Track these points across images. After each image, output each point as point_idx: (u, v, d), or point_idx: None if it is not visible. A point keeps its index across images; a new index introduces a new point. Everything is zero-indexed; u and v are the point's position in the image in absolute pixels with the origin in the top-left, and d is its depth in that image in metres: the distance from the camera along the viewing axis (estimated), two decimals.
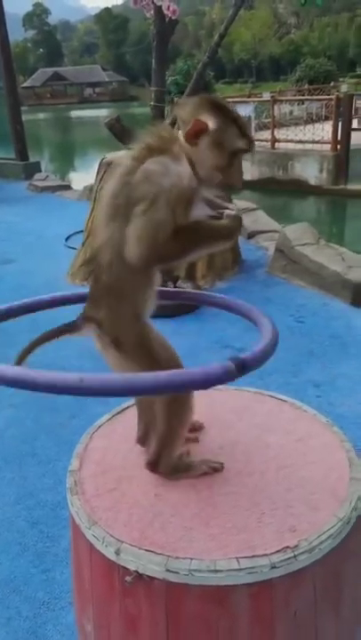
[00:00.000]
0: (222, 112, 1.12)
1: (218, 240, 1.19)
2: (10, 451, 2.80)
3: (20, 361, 1.27)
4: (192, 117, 1.11)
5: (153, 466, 1.26)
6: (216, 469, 1.25)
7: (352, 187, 11.68)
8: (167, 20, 3.83)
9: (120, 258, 1.13)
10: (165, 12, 3.76)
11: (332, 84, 21.82)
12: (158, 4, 3.74)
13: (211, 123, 1.11)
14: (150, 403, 1.29)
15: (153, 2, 3.76)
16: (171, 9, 3.74)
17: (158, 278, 1.23)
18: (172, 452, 1.25)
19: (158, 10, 3.79)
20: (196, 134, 1.11)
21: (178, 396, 1.21)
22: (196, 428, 1.41)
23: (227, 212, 1.20)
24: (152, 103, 4.01)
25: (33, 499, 2.45)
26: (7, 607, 1.96)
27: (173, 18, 3.84)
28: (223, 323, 4.15)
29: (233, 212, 1.19)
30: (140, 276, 1.17)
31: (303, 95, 18.40)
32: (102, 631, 1.15)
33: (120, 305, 1.18)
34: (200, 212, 1.18)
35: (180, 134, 1.14)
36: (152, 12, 3.82)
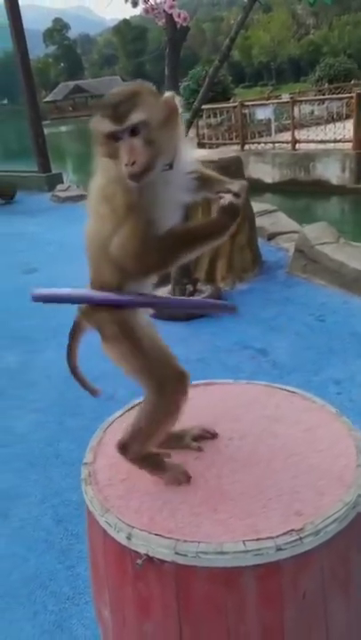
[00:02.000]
0: (96, 103, 1.12)
1: (208, 239, 1.16)
2: (35, 453, 2.87)
3: (74, 368, 1.42)
4: None
5: (122, 449, 1.28)
6: (180, 482, 1.23)
7: None
8: (178, 26, 3.89)
9: (101, 253, 1.17)
10: (176, 19, 3.82)
11: (352, 82, 21.60)
12: (169, 12, 3.80)
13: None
14: None
15: (164, 10, 3.82)
16: (181, 16, 3.80)
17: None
18: (143, 446, 1.27)
19: (169, 18, 3.86)
20: (94, 137, 1.10)
21: (169, 396, 1.24)
22: (208, 437, 1.39)
23: (221, 201, 1.15)
24: None
25: (58, 498, 2.51)
26: (34, 602, 2.01)
27: (184, 25, 3.90)
28: (243, 325, 4.17)
29: (227, 202, 1.14)
30: (119, 273, 1.18)
31: (323, 95, 18.31)
32: (118, 615, 1.20)
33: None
34: (171, 197, 1.14)
35: None
36: (163, 20, 3.89)
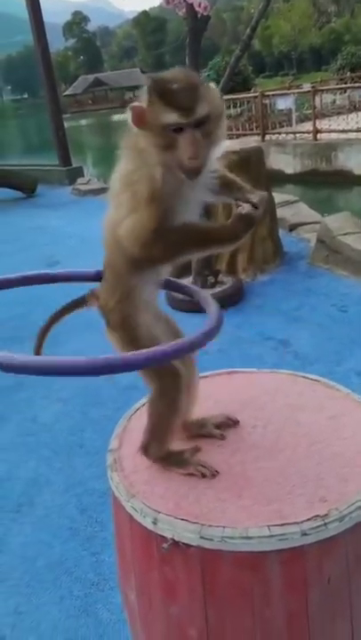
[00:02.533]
0: (152, 85, 1.02)
1: (216, 243, 1.16)
2: (59, 442, 2.91)
3: (42, 337, 1.42)
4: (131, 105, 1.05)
5: (144, 452, 1.30)
6: (204, 475, 1.22)
7: None
8: (199, 16, 3.87)
9: (114, 240, 1.17)
10: (197, 8, 3.80)
11: None
12: (189, 1, 3.78)
13: (144, 102, 1.04)
14: None
15: (184, 0, 3.81)
16: (202, 5, 3.77)
17: (161, 271, 1.26)
18: (160, 444, 1.28)
19: (190, 7, 3.84)
20: (137, 122, 1.04)
21: (164, 395, 1.26)
22: (230, 424, 1.40)
23: (238, 209, 1.14)
24: None
25: (82, 487, 2.55)
26: (60, 587, 2.05)
27: (205, 14, 3.88)
28: (265, 316, 4.17)
29: (245, 211, 1.12)
30: (131, 265, 1.19)
31: (345, 84, 18.05)
32: (144, 598, 1.22)
33: (113, 284, 1.25)
34: (195, 194, 1.14)
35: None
36: (184, 9, 3.87)
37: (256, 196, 1.17)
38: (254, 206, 1.14)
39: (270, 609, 1.09)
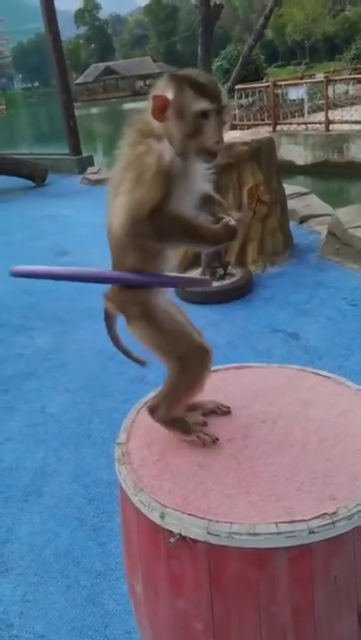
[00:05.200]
0: (178, 79, 1.13)
1: (200, 241, 1.23)
2: (66, 433, 2.92)
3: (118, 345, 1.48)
4: (153, 96, 1.14)
5: (151, 411, 1.37)
6: (205, 443, 1.29)
7: None
8: (212, 4, 3.83)
9: (122, 233, 1.20)
10: None
11: None
12: None
13: (168, 94, 1.13)
14: None
15: None
16: None
17: (170, 258, 1.29)
18: (170, 410, 1.34)
19: None
20: (159, 110, 1.13)
21: (191, 370, 1.31)
22: (220, 412, 1.43)
23: (226, 218, 1.21)
24: None
25: (89, 477, 2.56)
26: (67, 576, 2.07)
27: (218, 2, 3.83)
28: (273, 308, 4.15)
29: (231, 223, 1.20)
30: (139, 251, 1.23)
31: (359, 74, 17.82)
32: (150, 591, 1.22)
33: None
34: (194, 185, 1.20)
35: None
36: None
37: (235, 214, 1.26)
38: (236, 221, 1.23)
39: (276, 605, 1.09)
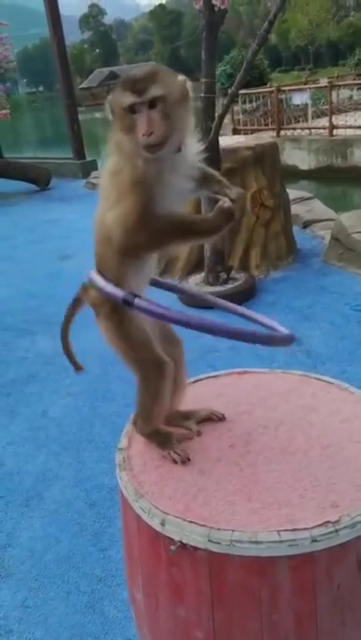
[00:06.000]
0: (119, 80, 1.13)
1: (198, 234, 1.22)
2: (68, 437, 2.91)
3: (65, 344, 1.48)
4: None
5: (133, 423, 1.40)
6: (175, 461, 1.28)
7: None
8: (216, 9, 3.83)
9: (102, 232, 1.22)
10: (214, 1, 3.76)
11: None
12: None
13: (110, 96, 1.13)
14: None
15: None
16: None
17: (148, 263, 1.30)
18: (145, 422, 1.35)
19: (207, 0, 3.79)
20: (110, 112, 1.13)
21: (148, 382, 1.32)
22: (215, 419, 1.43)
23: (220, 203, 1.19)
24: (202, 94, 4.01)
25: (90, 482, 2.55)
26: (67, 582, 2.05)
27: (222, 7, 3.83)
28: (276, 312, 4.13)
29: (226, 205, 1.18)
30: (119, 256, 1.23)
31: None
32: (151, 599, 1.21)
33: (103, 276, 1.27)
34: (176, 177, 1.18)
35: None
36: (201, 2, 3.82)
37: (233, 192, 1.25)
38: (232, 201, 1.21)
39: (278, 613, 1.08)
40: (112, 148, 1.19)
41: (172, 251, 1.32)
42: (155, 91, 1.09)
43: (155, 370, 1.31)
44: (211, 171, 1.29)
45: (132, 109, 1.10)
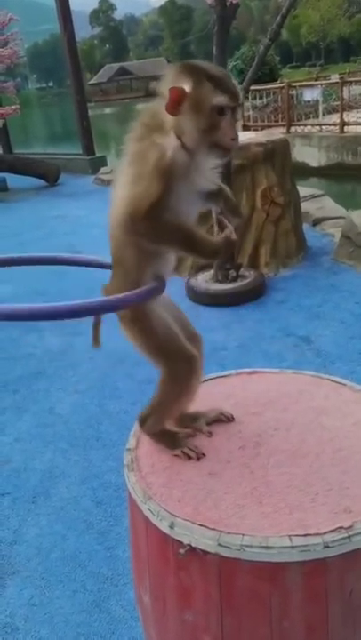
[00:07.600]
0: (196, 72, 1.08)
1: (196, 252, 1.20)
2: (75, 434, 2.90)
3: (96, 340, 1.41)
4: (168, 88, 1.08)
5: (141, 423, 1.35)
6: (190, 457, 1.26)
7: None
8: (228, 4, 3.79)
9: (120, 229, 1.18)
10: None
11: None
12: None
13: (186, 86, 1.07)
14: None
15: None
16: None
17: (169, 260, 1.27)
18: (159, 421, 1.32)
19: None
20: (174, 103, 1.07)
21: (177, 379, 1.28)
22: (224, 420, 1.40)
23: (227, 231, 1.18)
24: None
25: (97, 480, 2.54)
26: (73, 580, 2.04)
27: (234, 2, 3.80)
28: (286, 311, 4.11)
29: (233, 237, 1.18)
30: (137, 250, 1.19)
31: None
32: (158, 602, 1.19)
33: (121, 277, 1.25)
34: (198, 181, 1.16)
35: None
36: None
37: (235, 220, 1.24)
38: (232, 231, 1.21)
39: (289, 620, 1.06)
40: (140, 135, 1.15)
41: (162, 251, 1.28)
42: (240, 96, 1.11)
43: (185, 365, 1.27)
44: (222, 185, 1.27)
45: (221, 110, 1.09)
